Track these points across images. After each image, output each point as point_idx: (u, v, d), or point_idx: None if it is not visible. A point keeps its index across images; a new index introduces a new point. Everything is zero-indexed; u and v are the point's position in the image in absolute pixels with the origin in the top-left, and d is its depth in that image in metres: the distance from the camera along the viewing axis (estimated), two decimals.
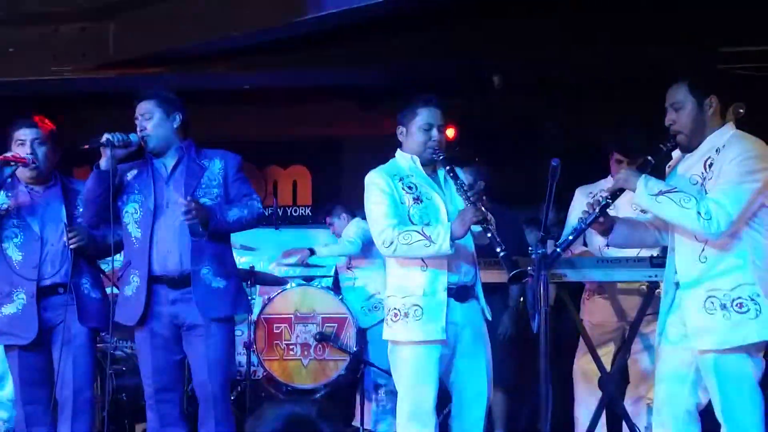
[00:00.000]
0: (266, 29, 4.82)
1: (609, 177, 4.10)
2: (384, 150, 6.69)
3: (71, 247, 3.35)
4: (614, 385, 3.79)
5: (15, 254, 3.41)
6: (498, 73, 5.30)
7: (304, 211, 7.16)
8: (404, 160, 3.22)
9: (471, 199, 3.03)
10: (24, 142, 3.41)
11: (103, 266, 3.67)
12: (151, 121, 3.26)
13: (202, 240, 3.22)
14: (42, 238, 3.41)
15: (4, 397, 3.70)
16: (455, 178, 3.13)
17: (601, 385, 3.79)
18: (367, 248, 5.10)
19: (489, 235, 2.98)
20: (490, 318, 3.24)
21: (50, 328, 3.41)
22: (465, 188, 3.08)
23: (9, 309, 3.38)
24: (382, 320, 4.85)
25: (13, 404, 3.65)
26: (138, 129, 3.27)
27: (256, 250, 5.83)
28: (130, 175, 3.33)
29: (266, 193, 6.83)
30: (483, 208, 2.99)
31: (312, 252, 5.22)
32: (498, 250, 2.95)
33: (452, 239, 2.98)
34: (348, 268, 5.40)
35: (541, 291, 2.74)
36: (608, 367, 3.83)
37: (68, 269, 3.38)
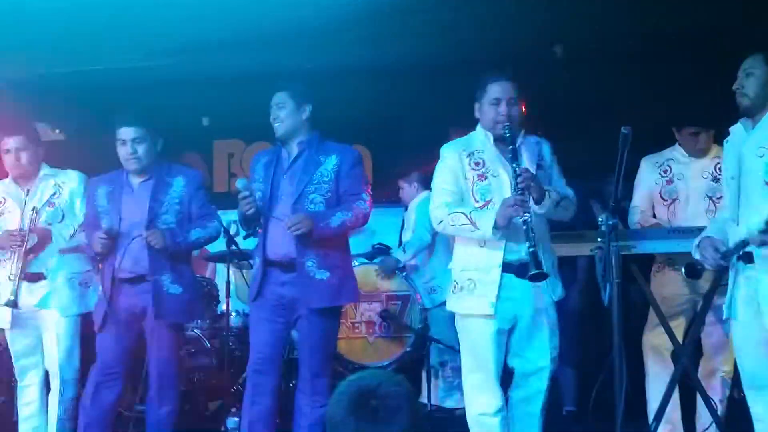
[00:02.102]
0: (322, 8, 4.81)
1: (676, 145, 4.01)
2: (443, 128, 6.65)
3: (154, 245, 3.53)
4: (688, 358, 3.70)
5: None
6: (559, 42, 5.18)
7: None
8: (478, 135, 3.28)
9: (519, 186, 3.03)
10: (125, 141, 3.62)
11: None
12: (283, 110, 3.46)
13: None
14: (122, 230, 3.59)
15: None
16: (514, 158, 3.12)
17: (674, 359, 3.71)
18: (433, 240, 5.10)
19: (524, 228, 3.01)
20: (556, 297, 3.24)
21: (134, 316, 3.62)
22: (517, 173, 3.07)
23: (93, 296, 3.73)
24: (441, 304, 4.93)
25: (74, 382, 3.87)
26: (271, 117, 3.48)
27: None
28: (261, 163, 3.55)
29: None
30: (527, 200, 3.02)
31: (396, 262, 5.21)
32: (528, 244, 2.99)
33: (496, 227, 3.05)
34: None
35: (613, 262, 2.70)
36: (680, 341, 3.74)
37: (149, 263, 3.56)
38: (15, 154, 3.86)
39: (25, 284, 3.78)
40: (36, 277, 3.83)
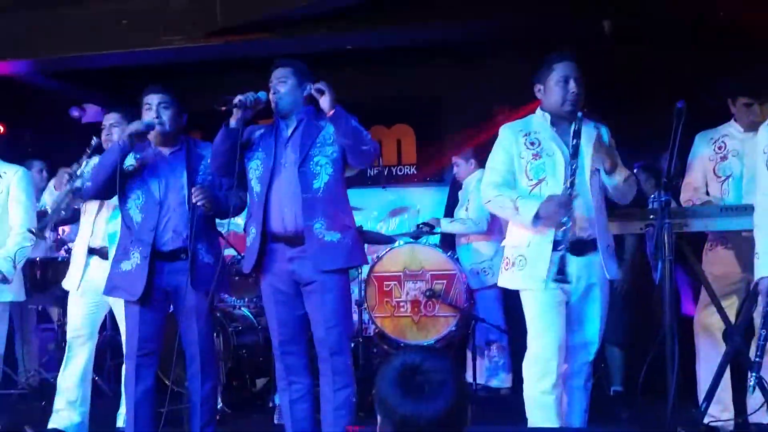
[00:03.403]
0: None
1: (732, 121, 3.90)
2: (486, 107, 6.58)
3: (197, 203, 3.47)
4: (740, 338, 3.63)
5: (136, 215, 3.55)
6: (608, 18, 5.08)
7: (409, 170, 7.16)
8: (537, 116, 3.33)
9: (569, 180, 3.09)
10: (151, 106, 3.58)
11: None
12: (284, 85, 3.41)
13: (315, 195, 3.32)
14: (161, 201, 3.54)
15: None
16: (576, 135, 3.14)
17: (726, 338, 3.63)
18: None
19: (562, 230, 3.09)
20: (609, 276, 3.25)
21: (173, 290, 3.57)
22: (575, 147, 3.12)
23: (125, 266, 3.54)
24: (490, 287, 4.92)
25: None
26: (271, 91, 3.43)
27: (364, 209, 5.87)
28: (257, 134, 3.49)
29: None
30: (571, 202, 3.08)
31: (435, 225, 5.21)
32: (560, 247, 3.08)
33: (537, 218, 3.10)
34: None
35: (665, 239, 2.66)
36: (732, 320, 3.67)
37: (188, 235, 3.51)
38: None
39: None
40: None
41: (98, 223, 4.05)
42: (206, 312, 3.61)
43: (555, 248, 3.15)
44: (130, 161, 3.58)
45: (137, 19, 5.43)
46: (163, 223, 3.53)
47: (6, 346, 4.18)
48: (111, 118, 4.03)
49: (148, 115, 3.57)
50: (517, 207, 3.15)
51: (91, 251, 4.03)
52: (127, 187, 3.57)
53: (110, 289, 3.62)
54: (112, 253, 3.80)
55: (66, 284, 4.12)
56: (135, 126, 3.52)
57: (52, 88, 6.43)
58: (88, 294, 4.02)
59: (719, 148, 3.88)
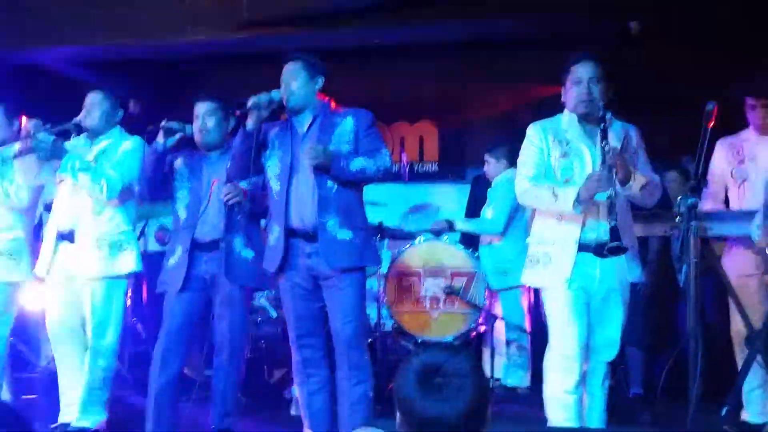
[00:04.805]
0: None
1: (750, 127, 3.90)
2: (510, 104, 6.54)
3: (227, 203, 3.62)
4: (762, 342, 3.60)
5: (182, 213, 3.76)
6: (635, 18, 5.03)
7: (432, 167, 7.16)
8: (565, 116, 3.33)
9: (607, 162, 3.04)
10: (197, 115, 3.76)
11: None
12: (296, 81, 3.39)
13: (330, 193, 3.33)
14: (203, 199, 3.70)
15: (104, 345, 3.83)
16: (603, 136, 3.12)
17: (748, 343, 3.61)
18: (506, 225, 5.06)
19: (608, 203, 3.04)
20: (631, 279, 3.26)
21: (210, 278, 3.71)
22: (605, 149, 3.08)
23: (171, 261, 3.75)
24: (512, 287, 4.90)
25: (113, 353, 3.87)
26: (282, 86, 3.41)
27: (385, 205, 5.87)
28: (272, 133, 3.49)
29: (393, 148, 6.87)
30: (612, 176, 3.02)
31: (450, 225, 5.19)
32: (610, 219, 3.04)
33: (578, 201, 3.06)
34: None
35: (691, 242, 2.64)
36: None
37: (224, 226, 3.64)
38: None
39: None
40: None
41: (67, 207, 3.87)
42: (240, 304, 3.71)
43: (581, 249, 3.15)
44: (178, 164, 3.80)
45: (163, 12, 5.46)
46: (203, 217, 3.68)
47: (26, 328, 4.16)
48: (91, 98, 3.91)
49: (194, 125, 3.75)
50: (556, 194, 3.13)
51: (61, 236, 3.87)
52: (174, 189, 3.79)
53: (159, 284, 3.80)
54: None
55: (37, 270, 3.95)
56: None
57: (76, 78, 6.47)
58: (60, 279, 3.87)
59: (737, 152, 3.92)
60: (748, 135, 3.93)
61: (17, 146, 3.79)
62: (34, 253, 4.02)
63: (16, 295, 4.04)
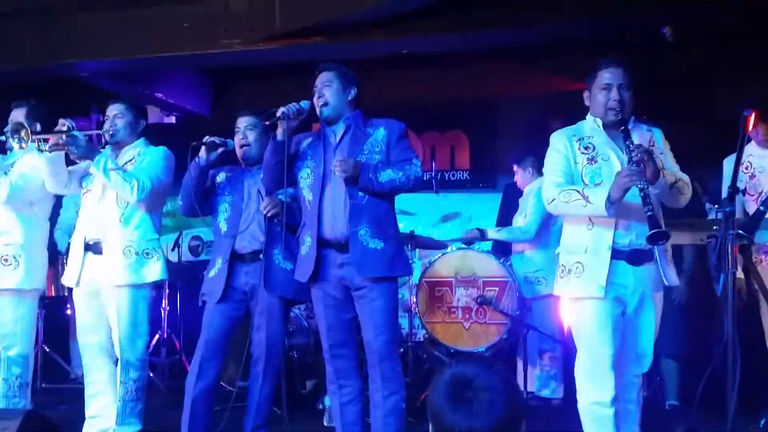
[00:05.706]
0: None
1: (752, 142, 3.95)
2: (541, 112, 6.50)
3: (266, 214, 3.66)
4: None
5: (223, 226, 3.80)
6: (670, 24, 4.98)
7: (462, 176, 7.14)
8: (588, 122, 3.29)
9: (634, 159, 2.98)
10: (239, 129, 3.84)
11: None
12: (329, 89, 3.41)
13: (362, 202, 3.33)
14: (243, 212, 3.75)
15: (134, 357, 3.83)
16: (626, 138, 3.08)
17: None
18: (538, 233, 5.03)
19: (642, 195, 2.96)
20: (668, 283, 3.18)
21: (250, 289, 3.75)
22: (631, 148, 3.03)
23: (212, 272, 3.80)
24: (544, 296, 4.86)
25: (144, 363, 3.89)
26: (316, 96, 3.43)
27: (416, 214, 5.88)
28: (305, 143, 3.51)
29: (424, 158, 6.86)
30: (642, 170, 2.96)
31: (482, 234, 5.17)
32: (646, 209, 2.93)
33: (610, 201, 2.99)
34: None
35: (729, 251, 2.60)
36: None
37: (265, 237, 3.69)
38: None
39: None
40: None
41: (93, 217, 3.86)
42: (278, 316, 3.74)
43: (614, 257, 3.09)
44: (220, 178, 3.88)
45: (197, 23, 5.52)
46: (243, 230, 3.73)
47: (59, 338, 4.18)
48: (114, 110, 3.94)
49: (237, 138, 3.83)
50: (586, 196, 3.06)
51: (87, 246, 3.87)
52: (216, 202, 3.85)
53: (201, 295, 3.85)
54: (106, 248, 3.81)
55: (65, 280, 3.98)
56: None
57: (110, 90, 6.57)
58: (89, 290, 3.88)
59: (746, 168, 4.01)
60: (752, 149, 4.05)
61: (51, 139, 3.73)
62: (42, 262, 4.08)
63: (22, 304, 4.00)
